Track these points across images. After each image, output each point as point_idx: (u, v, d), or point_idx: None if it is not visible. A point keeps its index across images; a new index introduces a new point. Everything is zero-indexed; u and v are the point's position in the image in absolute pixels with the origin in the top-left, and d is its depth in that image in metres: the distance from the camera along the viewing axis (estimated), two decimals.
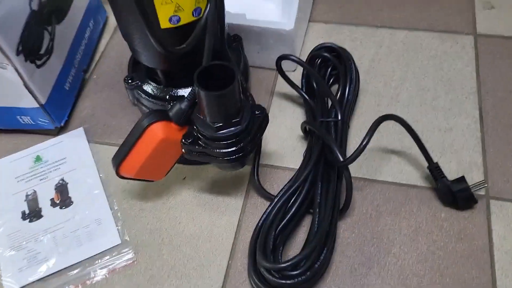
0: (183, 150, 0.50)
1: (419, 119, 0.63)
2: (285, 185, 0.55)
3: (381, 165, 0.59)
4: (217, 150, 0.48)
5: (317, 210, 0.52)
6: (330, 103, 0.61)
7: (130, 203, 0.58)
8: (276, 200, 0.53)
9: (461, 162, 0.59)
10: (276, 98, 0.67)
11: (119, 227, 0.56)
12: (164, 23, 0.45)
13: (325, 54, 0.62)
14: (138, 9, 0.40)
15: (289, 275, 0.47)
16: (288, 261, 0.46)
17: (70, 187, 0.60)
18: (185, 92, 0.53)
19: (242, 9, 0.64)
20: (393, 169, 0.59)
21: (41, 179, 0.61)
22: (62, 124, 0.64)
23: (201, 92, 0.43)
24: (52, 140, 0.64)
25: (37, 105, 0.60)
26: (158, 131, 0.49)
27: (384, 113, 0.52)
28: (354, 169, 0.58)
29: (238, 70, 0.44)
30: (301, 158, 0.59)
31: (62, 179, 0.61)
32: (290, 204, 0.53)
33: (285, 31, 0.62)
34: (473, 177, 0.57)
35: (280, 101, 0.66)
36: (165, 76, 0.52)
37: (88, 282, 0.53)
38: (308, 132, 0.60)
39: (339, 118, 0.58)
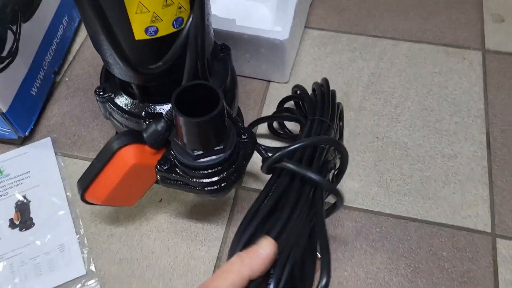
0: (157, 177, 0.44)
1: (421, 143, 0.57)
2: None
3: (378, 194, 0.54)
4: (196, 180, 0.42)
5: None
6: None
7: (99, 228, 0.52)
8: None
9: (465, 194, 0.53)
10: (266, 112, 0.61)
11: (85, 255, 0.50)
12: (139, 35, 0.38)
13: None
14: (101, 23, 0.33)
15: None
16: None
17: (32, 206, 0.54)
18: (163, 109, 0.47)
19: (232, 14, 0.58)
20: (392, 199, 0.53)
21: None
22: (26, 134, 0.58)
23: (179, 117, 0.37)
24: (15, 151, 0.58)
25: None
26: (129, 155, 0.43)
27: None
28: (349, 197, 0.53)
29: (222, 93, 0.38)
30: None
31: (24, 196, 0.54)
32: None
33: (278, 40, 0.56)
34: (479, 212, 0.52)
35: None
36: (140, 91, 0.46)
37: None
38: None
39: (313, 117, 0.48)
